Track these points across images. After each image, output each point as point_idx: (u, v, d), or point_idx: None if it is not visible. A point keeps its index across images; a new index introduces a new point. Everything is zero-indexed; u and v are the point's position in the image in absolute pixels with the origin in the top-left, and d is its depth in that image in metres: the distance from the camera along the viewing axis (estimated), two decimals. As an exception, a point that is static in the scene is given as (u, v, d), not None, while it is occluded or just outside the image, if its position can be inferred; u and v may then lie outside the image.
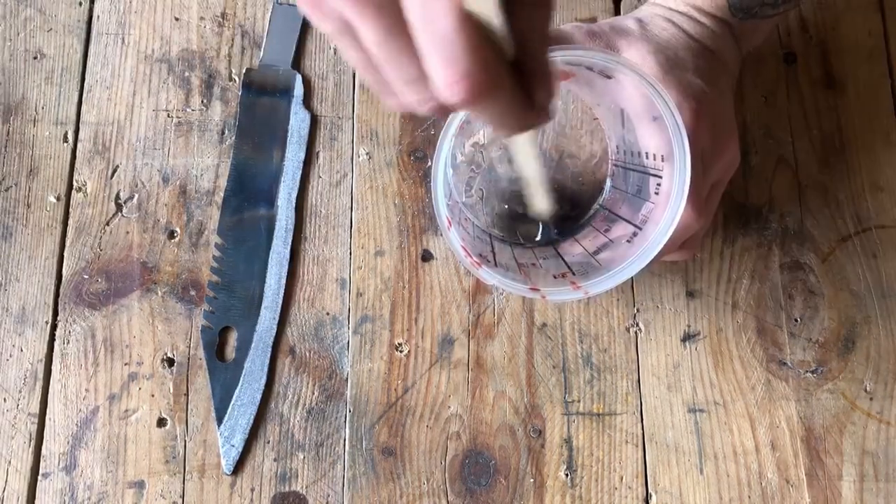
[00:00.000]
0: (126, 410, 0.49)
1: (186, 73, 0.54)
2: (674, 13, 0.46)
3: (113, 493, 0.47)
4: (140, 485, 0.47)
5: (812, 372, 0.49)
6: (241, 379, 0.49)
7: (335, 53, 0.55)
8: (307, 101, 0.54)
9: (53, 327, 0.50)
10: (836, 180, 0.52)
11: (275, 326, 0.50)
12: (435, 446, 0.48)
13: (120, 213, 0.52)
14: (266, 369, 0.49)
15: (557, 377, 0.49)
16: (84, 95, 0.54)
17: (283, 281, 0.51)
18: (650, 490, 0.47)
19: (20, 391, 0.49)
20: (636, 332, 0.50)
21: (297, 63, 0.55)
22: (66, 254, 0.51)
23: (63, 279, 0.51)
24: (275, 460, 0.48)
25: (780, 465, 0.47)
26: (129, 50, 0.55)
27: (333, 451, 0.48)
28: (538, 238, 0.47)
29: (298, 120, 0.53)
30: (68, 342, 0.50)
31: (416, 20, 0.24)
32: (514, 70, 0.26)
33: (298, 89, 0.54)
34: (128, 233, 0.52)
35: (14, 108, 0.54)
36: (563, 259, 0.45)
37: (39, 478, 0.48)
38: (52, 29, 0.55)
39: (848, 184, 0.52)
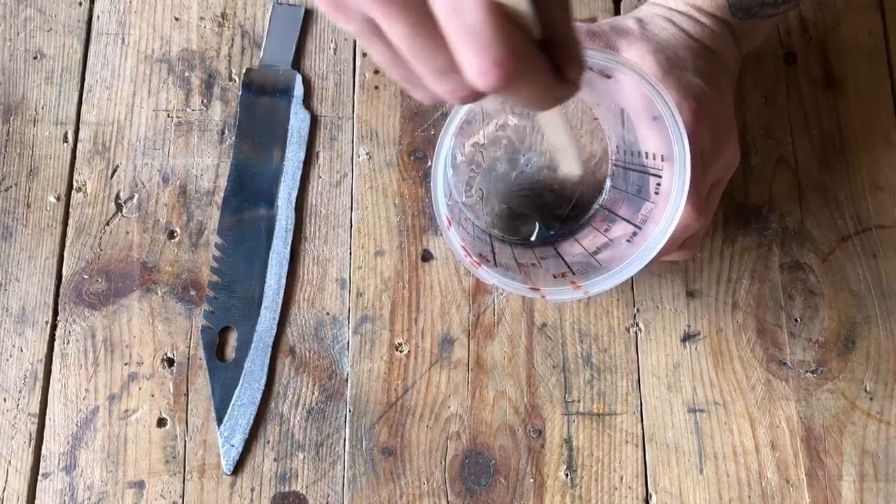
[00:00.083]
0: (126, 410, 0.49)
1: (186, 73, 0.54)
2: (674, 13, 0.46)
3: (113, 493, 0.47)
4: (140, 485, 0.47)
5: (812, 372, 0.49)
6: (241, 379, 0.49)
7: (335, 53, 0.55)
8: (307, 101, 0.54)
9: (53, 327, 0.50)
10: (836, 180, 0.52)
11: (275, 326, 0.50)
12: (435, 446, 0.48)
13: (120, 213, 0.52)
14: (266, 369, 0.49)
15: (557, 377, 0.49)
16: (84, 95, 0.54)
17: (283, 281, 0.51)
18: (650, 490, 0.47)
19: (20, 391, 0.49)
20: (636, 332, 0.50)
21: (297, 63, 0.55)
22: (66, 254, 0.51)
23: (63, 279, 0.51)
24: (275, 460, 0.48)
25: (780, 465, 0.47)
26: (129, 50, 0.55)
27: (333, 451, 0.48)
28: (533, 238, 0.47)
29: (298, 120, 0.53)
30: (68, 342, 0.50)
31: (444, 14, 0.25)
32: (543, 48, 0.27)
33: (298, 89, 0.54)
34: (128, 233, 0.52)
35: (14, 108, 0.54)
36: (562, 259, 0.45)
37: (39, 478, 0.48)
38: (52, 29, 0.55)
39: (848, 184, 0.52)
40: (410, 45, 0.26)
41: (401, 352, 0.49)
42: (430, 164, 0.52)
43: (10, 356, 0.49)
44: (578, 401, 0.49)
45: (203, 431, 0.48)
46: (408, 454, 0.48)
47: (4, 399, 0.49)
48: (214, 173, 0.53)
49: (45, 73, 0.55)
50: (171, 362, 0.49)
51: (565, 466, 0.48)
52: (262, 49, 0.55)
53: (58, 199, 0.52)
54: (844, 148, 0.53)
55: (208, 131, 0.53)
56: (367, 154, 0.53)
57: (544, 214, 0.48)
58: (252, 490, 0.47)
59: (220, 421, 0.48)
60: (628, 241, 0.42)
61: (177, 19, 0.56)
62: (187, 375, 0.49)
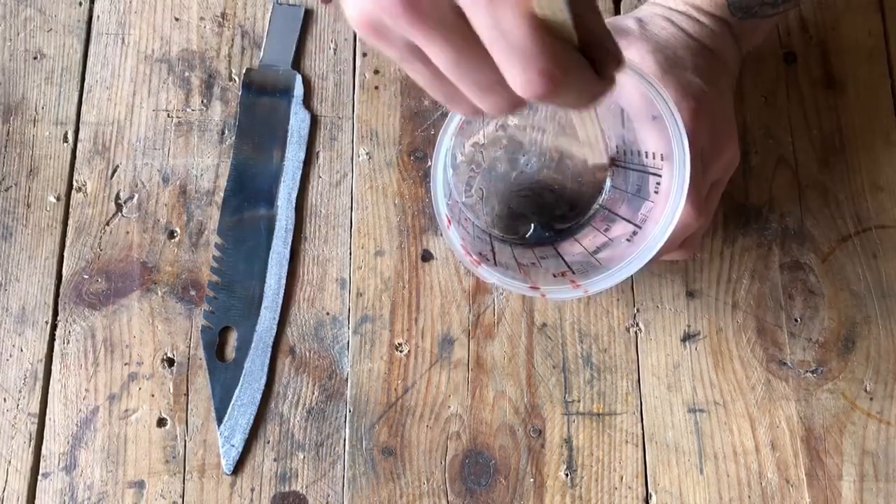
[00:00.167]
0: (126, 410, 0.49)
1: (186, 73, 0.54)
2: (673, 12, 0.46)
3: (113, 493, 0.47)
4: (140, 485, 0.47)
5: (812, 372, 0.49)
6: (241, 379, 0.49)
7: (335, 53, 0.55)
8: (307, 101, 0.54)
9: (53, 327, 0.50)
10: (836, 180, 0.52)
11: (275, 326, 0.50)
12: (435, 446, 0.48)
13: (120, 213, 0.52)
14: (266, 369, 0.49)
15: (557, 377, 0.49)
16: (84, 95, 0.54)
17: (283, 281, 0.51)
18: (650, 490, 0.47)
19: (20, 391, 0.49)
20: (636, 332, 0.50)
21: (297, 63, 0.55)
22: (66, 254, 0.51)
23: (63, 279, 0.51)
24: (275, 460, 0.48)
25: (780, 465, 0.47)
26: (129, 50, 0.55)
27: (333, 451, 0.48)
28: (533, 237, 0.47)
29: (298, 120, 0.53)
30: (68, 342, 0.50)
31: (488, 34, 0.26)
32: (581, 50, 0.28)
33: (298, 89, 0.54)
34: (128, 233, 0.52)
35: (14, 108, 0.54)
36: (562, 258, 0.45)
37: (39, 478, 0.48)
38: (52, 29, 0.55)
39: (848, 184, 0.52)
40: (454, 66, 0.27)
41: (401, 352, 0.49)
42: (430, 163, 0.52)
43: (10, 356, 0.49)
44: (578, 401, 0.49)
45: (203, 431, 0.48)
46: (408, 454, 0.48)
47: (4, 399, 0.49)
48: (214, 173, 0.53)
49: (45, 73, 0.55)
50: (171, 362, 0.49)
51: (565, 466, 0.48)
52: (262, 49, 0.55)
53: (58, 199, 0.52)
54: (844, 148, 0.53)
55: (208, 131, 0.53)
56: (367, 154, 0.53)
57: (544, 214, 0.48)
58: (252, 490, 0.47)
59: (220, 421, 0.48)
60: (628, 240, 0.42)
61: (177, 19, 0.56)
62: (187, 375, 0.49)
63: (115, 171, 0.53)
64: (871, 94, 0.54)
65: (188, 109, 0.54)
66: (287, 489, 0.47)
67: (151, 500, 0.47)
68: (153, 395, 0.49)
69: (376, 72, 0.54)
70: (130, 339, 0.50)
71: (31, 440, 0.48)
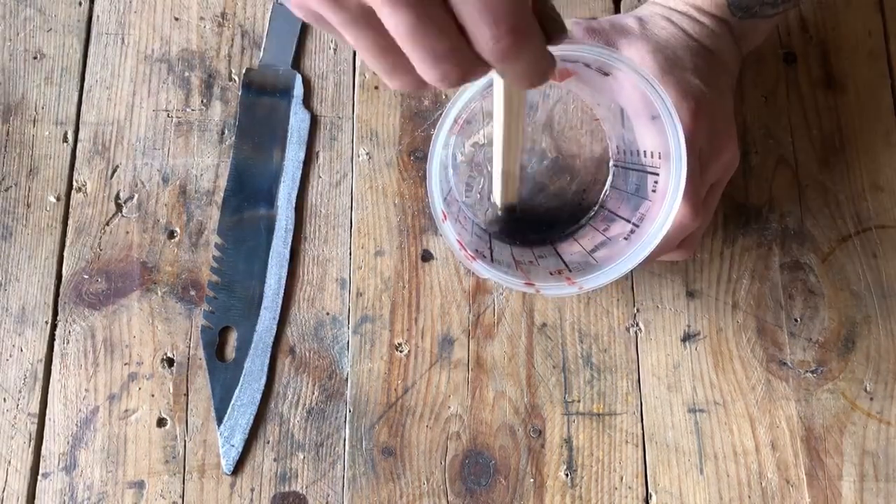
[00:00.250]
0: (126, 410, 0.49)
1: (186, 73, 0.54)
2: (673, 12, 0.46)
3: (113, 493, 0.47)
4: (140, 485, 0.47)
5: (812, 372, 0.49)
6: (241, 379, 0.49)
7: (335, 53, 0.55)
8: (307, 101, 0.54)
9: (53, 327, 0.50)
10: (836, 180, 0.52)
11: (275, 326, 0.50)
12: (435, 446, 0.48)
13: (120, 213, 0.52)
14: (266, 369, 0.49)
15: (557, 377, 0.49)
16: (84, 95, 0.54)
17: (283, 281, 0.51)
18: (650, 490, 0.47)
19: (20, 391, 0.49)
20: (636, 332, 0.50)
21: (297, 63, 0.55)
22: (66, 254, 0.51)
23: (63, 279, 0.51)
24: (275, 460, 0.48)
25: (780, 465, 0.47)
26: (129, 50, 0.55)
27: (333, 451, 0.48)
28: (529, 235, 0.47)
29: (298, 120, 0.53)
30: (68, 342, 0.50)
31: None
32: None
33: (298, 89, 0.54)
34: (128, 233, 0.52)
35: (14, 108, 0.54)
36: (561, 258, 0.45)
37: (39, 478, 0.48)
38: (52, 29, 0.55)
39: (848, 184, 0.52)
40: (411, 30, 0.27)
41: (401, 352, 0.49)
42: (430, 164, 0.52)
43: (10, 356, 0.49)
44: (578, 401, 0.49)
45: (203, 431, 0.48)
46: (408, 454, 0.48)
47: (4, 399, 0.49)
48: (214, 173, 0.53)
49: (45, 73, 0.55)
50: (171, 362, 0.49)
51: (565, 466, 0.48)
52: (262, 49, 0.55)
53: (58, 199, 0.52)
54: (844, 148, 0.53)
55: (208, 131, 0.53)
56: (367, 154, 0.53)
57: (544, 214, 0.48)
58: (252, 490, 0.47)
59: (220, 421, 0.48)
60: (625, 238, 0.42)
61: (177, 19, 0.56)
62: (187, 375, 0.49)
63: (115, 171, 0.53)
64: (871, 94, 0.54)
65: (188, 109, 0.54)
66: (287, 489, 0.47)
67: (151, 500, 0.47)
68: (153, 395, 0.49)
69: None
70: (130, 339, 0.50)
71: (30, 440, 0.48)
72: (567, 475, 0.47)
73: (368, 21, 0.28)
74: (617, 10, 0.56)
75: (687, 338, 0.50)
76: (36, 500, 0.47)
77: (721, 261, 0.51)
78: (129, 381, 0.49)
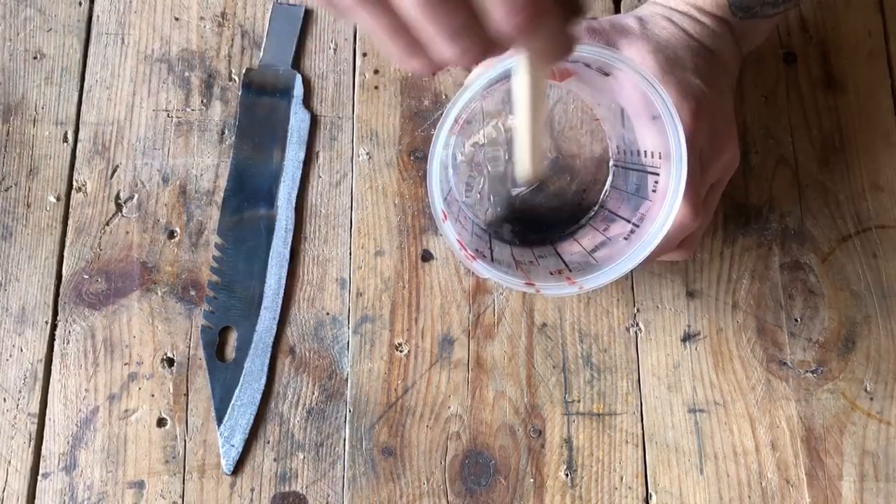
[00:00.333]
0: (126, 410, 0.49)
1: (186, 73, 0.54)
2: (674, 12, 0.46)
3: (113, 493, 0.47)
4: (140, 485, 0.47)
5: (812, 372, 0.49)
6: (241, 379, 0.49)
7: (335, 53, 0.55)
8: (307, 101, 0.54)
9: (53, 327, 0.50)
10: (836, 180, 0.52)
11: (275, 326, 0.50)
12: (435, 446, 0.48)
13: (120, 213, 0.52)
14: (266, 369, 0.49)
15: (557, 377, 0.49)
16: (84, 95, 0.54)
17: (283, 281, 0.51)
18: (650, 490, 0.47)
19: (20, 391, 0.49)
20: (636, 332, 0.50)
21: (297, 63, 0.55)
22: (65, 254, 0.51)
23: (63, 279, 0.51)
24: (275, 460, 0.48)
25: (780, 465, 0.47)
26: (129, 50, 0.55)
27: (333, 451, 0.48)
28: (529, 235, 0.47)
29: (298, 120, 0.53)
30: (68, 342, 0.50)
31: None
32: None
33: (298, 89, 0.54)
34: (128, 233, 0.52)
35: (14, 108, 0.54)
36: (561, 258, 0.45)
37: (39, 478, 0.48)
38: (52, 29, 0.55)
39: (848, 184, 0.52)
40: (429, 8, 0.27)
41: (401, 352, 0.49)
42: (430, 164, 0.52)
43: (10, 356, 0.49)
44: (578, 401, 0.49)
45: (203, 431, 0.48)
46: (408, 454, 0.48)
47: (4, 399, 0.49)
48: (214, 173, 0.53)
49: (45, 73, 0.55)
50: (171, 362, 0.49)
51: (565, 466, 0.48)
52: (262, 49, 0.55)
53: (58, 199, 0.52)
54: (844, 148, 0.53)
55: (208, 131, 0.53)
56: (367, 154, 0.53)
57: (545, 215, 0.48)
58: (252, 490, 0.47)
59: (220, 421, 0.48)
60: (625, 238, 0.42)
61: (177, 19, 0.56)
62: (187, 375, 0.49)
63: (115, 171, 0.53)
64: (871, 94, 0.54)
65: (188, 109, 0.54)
66: (287, 489, 0.47)
67: (151, 500, 0.47)
68: (153, 395, 0.49)
69: (376, 72, 0.54)
70: (130, 339, 0.50)
71: (31, 440, 0.48)
72: (567, 475, 0.47)
73: (381, 0, 0.28)
74: (617, 10, 0.56)
75: (687, 338, 0.50)
76: (36, 500, 0.47)
77: (721, 261, 0.51)
78: (129, 381, 0.49)
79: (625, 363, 0.49)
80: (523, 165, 0.39)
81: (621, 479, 0.47)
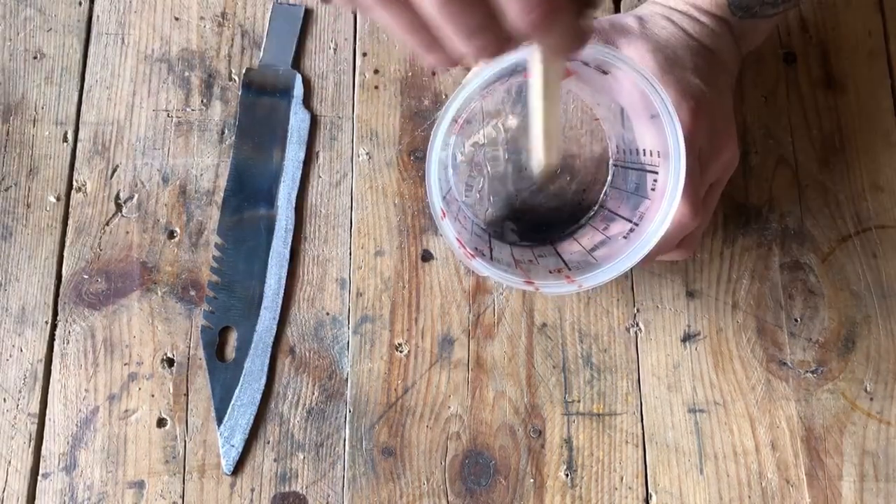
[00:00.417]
0: (126, 410, 0.49)
1: (186, 73, 0.54)
2: (673, 12, 0.46)
3: (113, 493, 0.47)
4: (140, 485, 0.47)
5: (812, 372, 0.49)
6: (241, 379, 0.49)
7: (335, 53, 0.55)
8: (307, 101, 0.54)
9: (53, 327, 0.50)
10: (836, 180, 0.52)
11: (275, 326, 0.50)
12: (435, 446, 0.48)
13: (120, 213, 0.52)
14: (266, 369, 0.49)
15: (557, 377, 0.49)
16: (84, 95, 0.54)
17: (283, 281, 0.51)
18: (650, 490, 0.47)
19: (20, 391, 0.49)
20: (636, 332, 0.50)
21: (297, 63, 0.55)
22: (65, 254, 0.51)
23: (63, 279, 0.51)
24: (275, 460, 0.48)
25: (780, 465, 0.47)
26: (129, 50, 0.55)
27: (333, 451, 0.48)
28: (529, 235, 0.47)
29: (298, 120, 0.53)
30: (68, 342, 0.50)
31: None
32: None
33: (298, 89, 0.54)
34: (128, 233, 0.52)
35: (14, 107, 0.54)
36: (560, 257, 0.45)
37: (39, 478, 0.48)
38: (52, 29, 0.55)
39: (848, 184, 0.52)
40: (444, 7, 0.28)
41: (401, 352, 0.49)
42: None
43: (10, 356, 0.49)
44: (578, 401, 0.49)
45: (203, 431, 0.48)
46: (408, 454, 0.48)
47: (4, 399, 0.49)
48: (214, 173, 0.53)
49: (45, 73, 0.55)
50: (171, 362, 0.49)
51: (565, 466, 0.48)
52: (262, 49, 0.55)
53: (58, 199, 0.52)
54: (844, 148, 0.53)
55: (208, 131, 0.53)
56: (367, 154, 0.53)
57: (544, 215, 0.48)
58: (252, 490, 0.47)
59: (220, 421, 0.48)
60: (625, 237, 0.42)
61: (177, 19, 0.56)
62: (187, 375, 0.49)
63: (114, 171, 0.53)
64: (871, 94, 0.54)
65: (188, 109, 0.54)
66: (287, 489, 0.47)
67: (151, 500, 0.47)
68: (153, 396, 0.49)
69: (376, 72, 0.54)
70: (130, 339, 0.50)
71: (31, 440, 0.48)
72: (567, 475, 0.47)
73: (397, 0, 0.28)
74: (617, 10, 0.56)
75: (687, 338, 0.50)
76: (36, 501, 0.47)
77: (721, 261, 0.51)
78: (129, 381, 0.49)
79: (625, 363, 0.49)
80: (538, 156, 0.39)
81: (621, 479, 0.47)
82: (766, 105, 0.54)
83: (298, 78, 0.54)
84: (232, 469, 0.47)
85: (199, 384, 0.49)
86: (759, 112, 0.54)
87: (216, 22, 0.56)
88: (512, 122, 0.47)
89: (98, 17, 0.56)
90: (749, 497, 0.47)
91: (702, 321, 0.50)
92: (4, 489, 0.47)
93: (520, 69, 0.39)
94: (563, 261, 0.44)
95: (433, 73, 0.54)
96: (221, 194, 0.52)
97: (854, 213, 0.52)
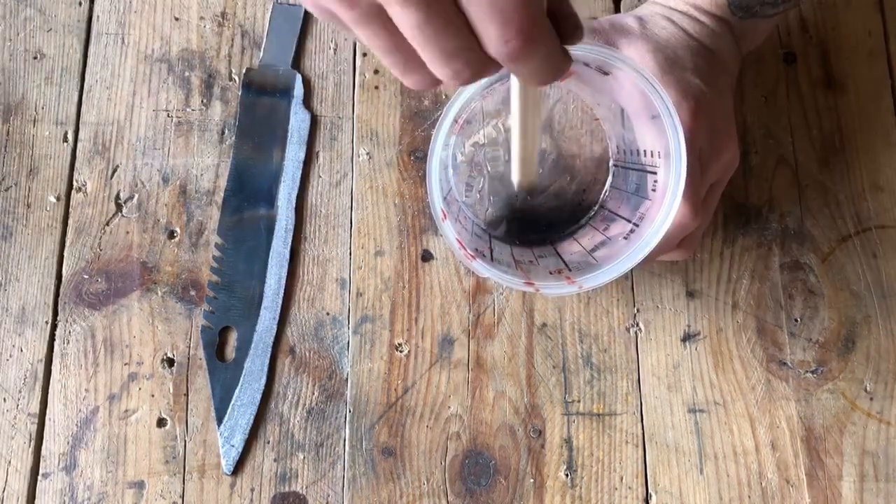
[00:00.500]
0: (126, 410, 0.49)
1: (186, 73, 0.54)
2: (674, 12, 0.46)
3: (113, 493, 0.47)
4: (140, 485, 0.47)
5: (812, 372, 0.49)
6: (241, 379, 0.49)
7: (335, 53, 0.55)
8: (307, 101, 0.54)
9: (53, 327, 0.50)
10: (836, 180, 0.52)
11: (275, 326, 0.50)
12: (435, 446, 0.48)
13: (120, 213, 0.52)
14: (266, 369, 0.49)
15: (557, 377, 0.49)
16: (84, 95, 0.54)
17: (283, 281, 0.51)
18: (650, 490, 0.47)
19: (20, 391, 0.49)
20: (636, 332, 0.50)
21: (297, 63, 0.55)
22: (66, 254, 0.51)
23: (63, 279, 0.51)
24: (275, 460, 0.48)
25: (780, 465, 0.47)
26: (129, 50, 0.55)
27: (333, 451, 0.48)
28: (529, 236, 0.47)
29: (298, 120, 0.53)
30: (68, 342, 0.50)
31: None
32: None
33: (298, 89, 0.54)
34: (128, 233, 0.52)
35: (14, 108, 0.54)
36: (560, 257, 0.45)
37: (39, 478, 0.48)
38: (52, 29, 0.55)
39: (848, 184, 0.52)
40: (421, 28, 0.27)
41: (401, 352, 0.49)
42: (430, 164, 0.52)
43: (10, 356, 0.49)
44: (578, 401, 0.49)
45: (203, 431, 0.48)
46: (408, 454, 0.48)
47: (4, 399, 0.49)
48: (214, 173, 0.53)
49: (45, 73, 0.55)
50: (171, 362, 0.49)
51: (565, 466, 0.48)
52: (262, 49, 0.55)
53: (58, 199, 0.52)
54: (844, 148, 0.53)
55: (208, 131, 0.53)
56: (367, 154, 0.53)
57: (544, 215, 0.48)
58: (252, 490, 0.47)
59: (220, 421, 0.48)
60: (625, 238, 0.42)
61: (177, 19, 0.56)
62: (187, 375, 0.49)
63: (115, 171, 0.53)
64: (871, 94, 0.54)
65: (188, 109, 0.54)
66: (287, 489, 0.47)
67: (151, 500, 0.47)
68: (153, 395, 0.49)
69: (376, 72, 0.54)
70: (130, 339, 0.50)
71: (31, 440, 0.48)
72: (567, 475, 0.47)
73: (379, 19, 0.28)
74: (617, 10, 0.56)
75: (687, 338, 0.50)
76: (36, 501, 0.47)
77: (721, 261, 0.51)
78: (129, 381, 0.49)
79: (625, 363, 0.49)
80: (514, 172, 0.39)
81: (621, 479, 0.47)
82: (766, 105, 0.54)
83: (298, 78, 0.54)
84: (232, 469, 0.47)
85: (199, 384, 0.49)
86: (759, 112, 0.54)
87: (216, 22, 0.56)
88: (511, 124, 0.47)
89: (98, 17, 0.56)
90: (749, 497, 0.47)
91: (702, 321, 0.50)
92: (4, 489, 0.47)
93: None
94: (564, 261, 0.44)
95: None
96: (221, 194, 0.52)
97: (854, 213, 0.52)
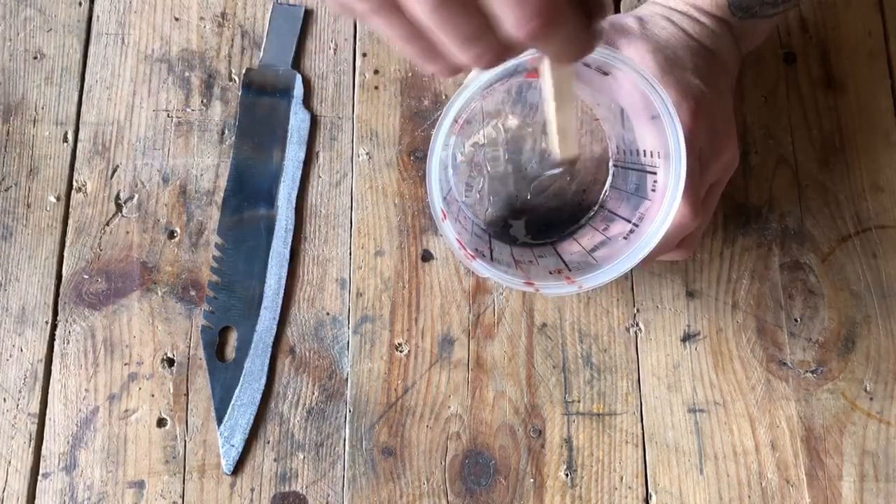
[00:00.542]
0: (126, 410, 0.49)
1: (186, 73, 0.54)
2: (673, 12, 0.46)
3: (113, 493, 0.47)
4: (140, 485, 0.47)
5: (812, 372, 0.49)
6: (241, 379, 0.49)
7: (335, 53, 0.55)
8: (307, 101, 0.54)
9: (53, 327, 0.50)
10: (836, 180, 0.52)
11: (275, 326, 0.50)
12: (435, 446, 0.48)
13: (120, 213, 0.52)
14: (266, 369, 0.49)
15: (557, 377, 0.49)
16: (84, 95, 0.54)
17: (283, 281, 0.51)
18: (650, 490, 0.47)
19: (20, 391, 0.49)
20: (636, 332, 0.50)
21: (296, 63, 0.55)
22: (66, 254, 0.51)
23: (63, 279, 0.51)
24: (275, 460, 0.48)
25: (780, 465, 0.47)
26: (129, 50, 0.55)
27: (333, 451, 0.48)
28: (529, 236, 0.47)
29: (298, 120, 0.53)
30: (68, 342, 0.50)
31: None
32: None
33: (298, 89, 0.54)
34: (128, 233, 0.52)
35: (14, 108, 0.54)
36: (560, 257, 0.45)
37: (39, 478, 0.48)
38: (52, 29, 0.55)
39: (848, 184, 0.52)
40: (439, 15, 0.27)
41: (401, 352, 0.49)
42: (430, 164, 0.52)
43: (10, 356, 0.49)
44: (578, 401, 0.49)
45: (203, 431, 0.48)
46: (408, 454, 0.48)
47: (4, 399, 0.49)
48: (214, 173, 0.53)
49: (45, 73, 0.55)
50: (171, 362, 0.49)
51: (565, 466, 0.48)
52: (262, 49, 0.55)
53: (58, 199, 0.52)
54: (844, 148, 0.53)
55: (208, 131, 0.53)
56: (367, 154, 0.53)
57: (544, 215, 0.48)
58: (252, 490, 0.47)
59: (220, 421, 0.48)
60: (625, 238, 0.42)
61: (177, 19, 0.56)
62: (187, 375, 0.49)
63: (115, 171, 0.53)
64: (871, 94, 0.54)
65: (188, 109, 0.54)
66: (287, 489, 0.47)
67: (151, 500, 0.47)
68: (153, 395, 0.49)
69: (376, 72, 0.54)
70: (130, 339, 0.50)
71: (31, 440, 0.48)
72: (567, 475, 0.47)
73: (394, 8, 0.28)
74: (617, 10, 0.56)
75: (687, 338, 0.50)
76: (36, 500, 0.47)
77: (721, 261, 0.51)
78: (129, 381, 0.49)
79: (625, 363, 0.49)
80: (554, 146, 0.39)
81: (621, 479, 0.47)
82: (766, 105, 0.54)
83: (298, 78, 0.54)
84: (232, 469, 0.47)
85: (199, 384, 0.49)
86: (759, 112, 0.54)
87: (216, 22, 0.56)
88: (512, 122, 0.47)
89: (98, 17, 0.56)
90: (749, 497, 0.47)
91: (702, 321, 0.50)
92: (4, 489, 0.47)
93: (520, 70, 0.39)
94: (563, 261, 0.44)
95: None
96: (221, 194, 0.52)
97: (854, 213, 0.52)
